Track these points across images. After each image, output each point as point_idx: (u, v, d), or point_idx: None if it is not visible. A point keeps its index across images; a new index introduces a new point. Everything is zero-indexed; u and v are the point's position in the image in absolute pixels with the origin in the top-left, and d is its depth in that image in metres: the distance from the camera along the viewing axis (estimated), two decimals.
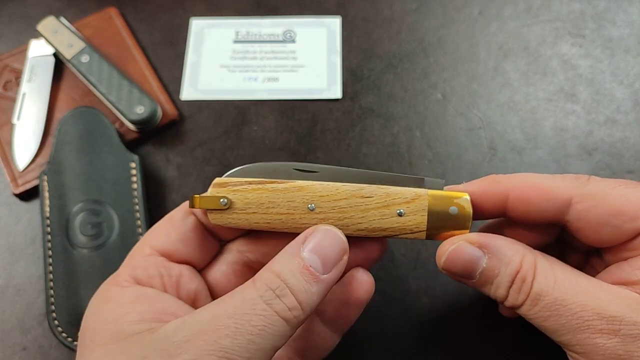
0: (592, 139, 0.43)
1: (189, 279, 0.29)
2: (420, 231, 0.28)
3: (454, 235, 0.28)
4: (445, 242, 0.28)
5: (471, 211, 0.28)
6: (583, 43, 0.47)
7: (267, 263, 0.31)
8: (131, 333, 0.25)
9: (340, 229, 0.28)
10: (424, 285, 0.38)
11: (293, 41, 0.48)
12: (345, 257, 0.27)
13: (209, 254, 0.31)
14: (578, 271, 0.27)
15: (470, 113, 0.44)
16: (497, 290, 0.27)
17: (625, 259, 0.27)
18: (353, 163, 0.42)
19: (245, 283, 0.25)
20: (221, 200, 0.28)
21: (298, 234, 0.27)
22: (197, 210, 0.30)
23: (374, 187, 0.28)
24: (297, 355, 0.30)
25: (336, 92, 0.45)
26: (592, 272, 0.28)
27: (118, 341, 0.25)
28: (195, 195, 0.28)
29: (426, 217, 0.28)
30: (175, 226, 0.30)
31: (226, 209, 0.28)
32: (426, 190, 0.28)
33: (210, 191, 0.28)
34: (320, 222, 0.28)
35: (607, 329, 0.24)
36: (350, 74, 0.46)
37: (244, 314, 0.24)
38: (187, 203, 0.30)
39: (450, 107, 0.44)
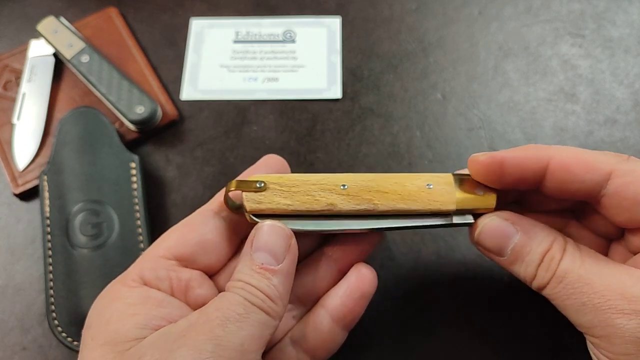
0: (592, 139, 0.43)
1: (199, 285, 0.29)
2: (449, 209, 0.29)
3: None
4: (481, 217, 0.29)
5: (496, 193, 0.29)
6: (583, 43, 0.47)
7: None
8: (132, 337, 0.25)
9: (372, 207, 0.29)
10: (424, 285, 0.38)
11: (293, 41, 0.48)
12: (293, 242, 0.28)
13: (227, 256, 0.31)
14: (606, 257, 0.27)
15: (470, 113, 0.44)
16: (527, 268, 0.27)
17: None
18: (353, 163, 0.42)
19: (222, 292, 0.27)
20: (257, 183, 0.29)
21: (330, 215, 0.29)
22: (222, 207, 0.30)
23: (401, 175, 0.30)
24: (307, 354, 0.30)
25: (336, 92, 0.45)
26: None
27: (116, 344, 0.25)
28: (232, 181, 0.29)
29: (455, 198, 0.29)
30: (194, 229, 0.30)
31: (262, 190, 0.29)
32: (451, 175, 0.30)
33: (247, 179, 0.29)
34: (352, 201, 0.29)
35: (629, 309, 0.24)
36: (350, 74, 0.46)
37: (228, 305, 0.25)
38: (206, 207, 0.30)
39: (450, 107, 0.44)
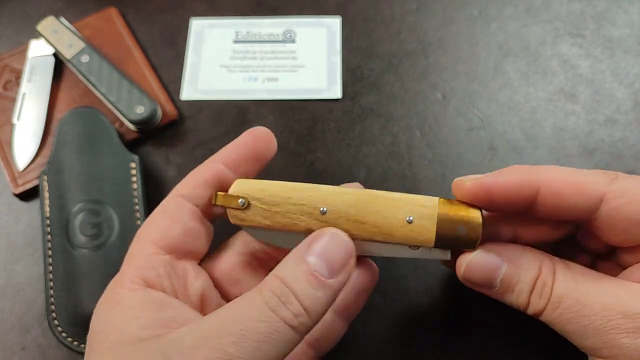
0: (592, 139, 0.43)
1: (195, 277, 0.29)
2: (426, 246, 0.28)
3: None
4: (464, 253, 0.28)
5: (480, 233, 0.27)
6: (583, 43, 0.47)
7: (273, 252, 0.31)
8: (139, 338, 0.25)
9: (352, 235, 0.28)
10: (424, 285, 0.38)
11: (293, 41, 0.48)
12: (352, 261, 0.26)
13: (208, 240, 0.31)
14: (598, 272, 0.27)
15: (470, 113, 0.44)
16: (518, 297, 0.27)
17: None
18: (353, 163, 0.42)
19: (252, 289, 0.25)
20: (239, 200, 0.29)
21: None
22: (192, 194, 0.30)
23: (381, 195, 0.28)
24: (309, 347, 0.30)
25: (336, 92, 0.45)
26: None
27: (126, 346, 0.25)
28: (218, 193, 0.29)
29: (434, 236, 0.28)
30: (174, 218, 0.29)
31: (244, 208, 0.29)
32: (436, 202, 0.28)
33: (232, 189, 0.29)
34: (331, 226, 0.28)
35: (632, 327, 0.24)
36: (350, 74, 0.46)
37: (249, 320, 0.23)
38: (173, 194, 0.30)
39: (450, 107, 0.44)
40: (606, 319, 0.24)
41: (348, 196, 0.28)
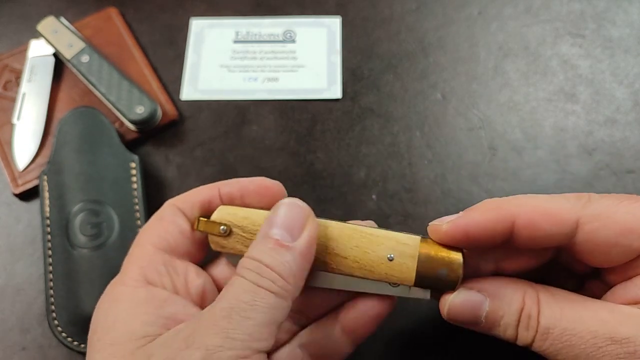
0: (592, 139, 0.43)
1: (196, 275, 0.30)
2: (406, 284, 0.28)
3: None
4: (445, 294, 0.28)
5: (461, 275, 0.27)
6: (583, 43, 0.47)
7: None
8: (142, 335, 0.25)
9: (330, 269, 0.28)
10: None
11: (293, 41, 0.48)
12: (311, 221, 0.27)
13: (205, 247, 0.31)
14: (582, 296, 0.27)
15: (470, 113, 0.44)
16: (506, 331, 0.27)
17: (630, 278, 0.27)
18: (353, 163, 0.42)
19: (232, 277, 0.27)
20: (221, 227, 0.29)
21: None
22: (183, 206, 0.30)
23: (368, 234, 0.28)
24: (312, 359, 0.30)
25: (336, 92, 0.45)
26: (591, 296, 0.27)
27: (125, 342, 0.25)
28: (201, 218, 0.29)
29: (414, 275, 0.27)
30: (170, 221, 0.30)
31: (226, 235, 0.29)
32: (418, 242, 0.28)
33: (214, 215, 0.29)
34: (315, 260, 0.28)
35: (623, 352, 0.24)
36: (350, 74, 0.46)
37: (234, 295, 0.25)
38: (169, 202, 0.31)
39: (450, 107, 0.44)
40: (596, 346, 0.24)
41: (330, 229, 0.28)
